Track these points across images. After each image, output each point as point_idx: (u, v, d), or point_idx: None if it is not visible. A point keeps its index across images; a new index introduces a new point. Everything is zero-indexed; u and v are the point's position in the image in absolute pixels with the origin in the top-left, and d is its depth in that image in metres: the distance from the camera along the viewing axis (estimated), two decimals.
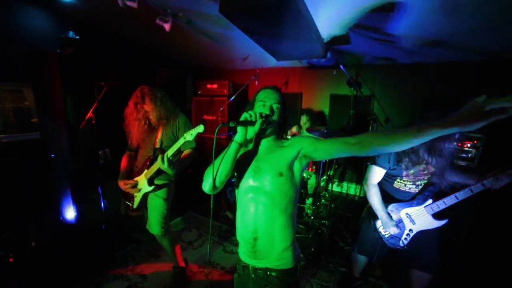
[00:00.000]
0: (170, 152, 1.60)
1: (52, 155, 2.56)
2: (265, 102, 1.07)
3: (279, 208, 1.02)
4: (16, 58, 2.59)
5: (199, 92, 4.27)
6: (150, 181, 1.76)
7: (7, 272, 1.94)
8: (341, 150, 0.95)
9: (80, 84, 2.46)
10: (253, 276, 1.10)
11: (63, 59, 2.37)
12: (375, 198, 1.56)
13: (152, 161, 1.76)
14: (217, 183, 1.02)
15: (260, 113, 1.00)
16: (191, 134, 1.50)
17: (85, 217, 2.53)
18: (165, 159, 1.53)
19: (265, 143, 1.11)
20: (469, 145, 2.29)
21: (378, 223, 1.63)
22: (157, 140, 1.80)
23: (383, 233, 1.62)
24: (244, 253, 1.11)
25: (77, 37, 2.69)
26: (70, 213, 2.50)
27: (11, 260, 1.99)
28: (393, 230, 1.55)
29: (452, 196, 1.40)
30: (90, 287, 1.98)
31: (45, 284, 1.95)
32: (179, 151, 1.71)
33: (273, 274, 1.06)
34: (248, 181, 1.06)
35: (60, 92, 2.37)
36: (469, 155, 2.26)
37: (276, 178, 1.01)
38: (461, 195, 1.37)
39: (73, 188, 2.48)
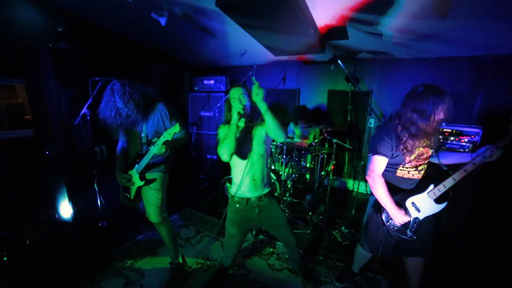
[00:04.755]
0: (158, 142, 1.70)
1: (47, 152, 2.52)
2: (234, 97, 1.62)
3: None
4: (7, 53, 2.52)
5: (196, 88, 4.23)
6: (141, 176, 1.81)
7: (1, 271, 1.91)
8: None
9: (74, 80, 2.41)
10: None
11: (56, 54, 2.32)
12: (381, 190, 1.50)
13: (141, 155, 1.79)
14: (228, 157, 1.57)
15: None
16: (169, 134, 1.64)
17: (82, 214, 2.51)
18: (158, 145, 1.64)
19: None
20: (466, 139, 2.28)
21: (385, 217, 1.59)
22: (142, 135, 1.80)
23: (391, 226, 1.58)
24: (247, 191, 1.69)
25: (69, 32, 2.63)
26: (66, 210, 2.47)
27: (5, 258, 1.96)
28: (405, 219, 1.50)
29: (450, 178, 1.41)
30: (88, 285, 1.96)
31: (41, 283, 1.93)
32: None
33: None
34: None
35: (54, 88, 2.32)
36: (466, 150, 2.26)
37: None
38: (457, 176, 1.39)
39: (69, 185, 2.44)
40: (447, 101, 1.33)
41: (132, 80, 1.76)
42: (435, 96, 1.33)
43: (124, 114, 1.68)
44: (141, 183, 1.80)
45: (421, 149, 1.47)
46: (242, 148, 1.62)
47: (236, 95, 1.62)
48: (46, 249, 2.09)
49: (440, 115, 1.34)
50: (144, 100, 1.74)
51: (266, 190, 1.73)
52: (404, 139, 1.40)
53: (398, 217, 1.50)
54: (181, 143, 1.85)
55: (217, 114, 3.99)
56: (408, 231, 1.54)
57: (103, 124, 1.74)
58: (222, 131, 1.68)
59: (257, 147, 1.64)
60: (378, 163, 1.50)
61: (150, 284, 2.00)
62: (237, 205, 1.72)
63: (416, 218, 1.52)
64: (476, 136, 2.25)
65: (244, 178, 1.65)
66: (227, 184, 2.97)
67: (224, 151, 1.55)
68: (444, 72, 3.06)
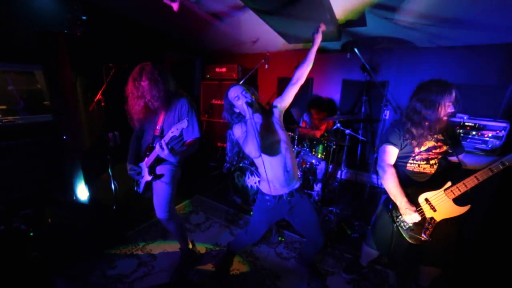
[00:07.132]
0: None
1: (65, 137, 2.61)
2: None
3: None
4: (26, 40, 2.58)
5: (208, 76, 4.21)
6: (150, 170, 1.74)
7: (29, 245, 2.05)
8: (293, 90, 1.68)
9: (89, 66, 2.44)
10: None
11: (71, 40, 2.35)
12: (391, 181, 1.42)
13: (151, 149, 1.72)
14: (257, 152, 1.39)
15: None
16: (177, 129, 1.50)
17: (97, 197, 2.61)
18: (164, 145, 1.44)
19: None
20: (490, 134, 2.13)
21: (395, 213, 1.51)
22: (157, 127, 1.73)
23: (401, 224, 1.49)
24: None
25: (84, 17, 2.65)
26: (82, 193, 2.58)
27: (31, 234, 2.10)
28: (415, 218, 1.39)
29: (472, 177, 1.30)
30: (102, 263, 2.07)
31: (61, 259, 2.05)
32: (179, 139, 1.72)
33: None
34: None
35: (70, 74, 2.37)
36: (490, 146, 2.12)
37: None
38: (481, 175, 1.28)
39: (84, 169, 2.54)
40: (454, 92, 1.33)
41: (162, 67, 1.69)
42: (439, 86, 1.36)
43: (149, 97, 1.63)
44: (149, 178, 1.75)
45: (433, 142, 1.45)
46: (265, 141, 1.50)
47: (238, 93, 1.50)
48: (65, 228, 2.22)
49: (446, 106, 1.34)
50: (170, 90, 1.68)
51: (297, 185, 1.63)
52: (408, 126, 1.43)
53: (408, 213, 1.39)
54: (191, 149, 1.70)
55: None
56: (422, 233, 1.44)
57: (126, 107, 1.71)
58: (238, 130, 1.57)
59: (280, 135, 1.56)
60: (388, 152, 1.50)
61: (161, 266, 2.08)
62: (268, 203, 1.62)
63: (432, 218, 1.42)
64: (502, 131, 2.10)
65: (276, 172, 1.54)
66: (236, 173, 2.98)
67: (251, 148, 1.41)
68: (470, 62, 2.83)
